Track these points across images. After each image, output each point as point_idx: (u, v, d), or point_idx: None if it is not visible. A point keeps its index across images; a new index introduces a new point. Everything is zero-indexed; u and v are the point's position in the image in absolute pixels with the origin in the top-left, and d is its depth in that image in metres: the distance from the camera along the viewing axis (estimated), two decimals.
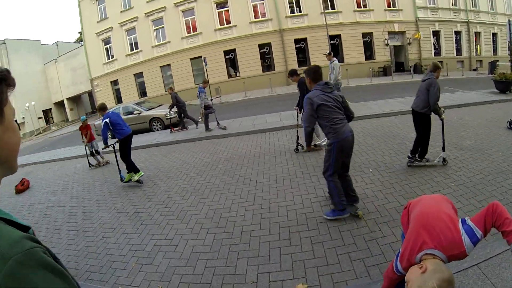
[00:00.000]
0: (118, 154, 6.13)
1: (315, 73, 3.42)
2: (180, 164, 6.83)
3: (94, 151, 8.39)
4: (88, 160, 8.50)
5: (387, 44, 20.86)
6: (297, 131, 6.14)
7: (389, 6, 20.75)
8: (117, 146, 6.05)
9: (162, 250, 3.44)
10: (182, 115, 10.40)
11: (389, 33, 20.91)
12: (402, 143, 5.85)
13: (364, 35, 20.56)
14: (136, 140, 10.07)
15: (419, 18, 21.03)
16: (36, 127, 31.38)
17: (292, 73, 6.12)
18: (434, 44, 21.94)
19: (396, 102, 9.60)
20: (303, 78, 5.40)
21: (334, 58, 8.48)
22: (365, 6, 20.59)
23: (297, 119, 6.23)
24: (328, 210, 3.55)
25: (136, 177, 5.98)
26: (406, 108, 8.14)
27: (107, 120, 5.58)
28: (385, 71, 19.71)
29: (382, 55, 20.85)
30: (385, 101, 9.91)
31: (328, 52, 8.74)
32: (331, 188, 3.38)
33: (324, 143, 3.56)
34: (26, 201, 7.04)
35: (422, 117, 4.51)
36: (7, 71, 0.69)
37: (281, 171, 5.21)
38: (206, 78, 12.77)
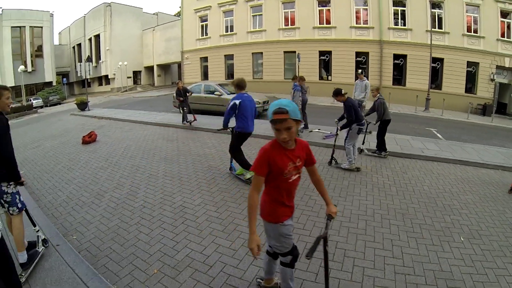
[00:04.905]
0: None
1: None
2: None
3: None
4: None
5: (492, 79, 17.75)
6: (334, 145, 6.20)
7: (502, 36, 17.49)
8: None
9: (192, 266, 2.90)
10: (185, 109, 10.04)
11: (497, 67, 17.75)
12: (503, 211, 4.46)
13: (469, 64, 17.73)
14: (210, 122, 9.97)
15: None
16: (124, 84, 34.62)
17: (337, 93, 5.70)
18: None
19: (496, 151, 7.83)
20: (350, 99, 5.78)
21: (365, 78, 9.10)
22: (475, 31, 17.65)
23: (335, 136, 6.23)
24: None
25: (248, 175, 5.02)
26: (508, 162, 6.78)
27: (237, 101, 4.72)
28: (484, 110, 16.82)
29: (485, 91, 17.79)
30: (484, 147, 8.19)
31: (360, 71, 9.68)
32: None
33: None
34: (86, 154, 7.31)
35: None
36: None
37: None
38: (297, 74, 11.90)
